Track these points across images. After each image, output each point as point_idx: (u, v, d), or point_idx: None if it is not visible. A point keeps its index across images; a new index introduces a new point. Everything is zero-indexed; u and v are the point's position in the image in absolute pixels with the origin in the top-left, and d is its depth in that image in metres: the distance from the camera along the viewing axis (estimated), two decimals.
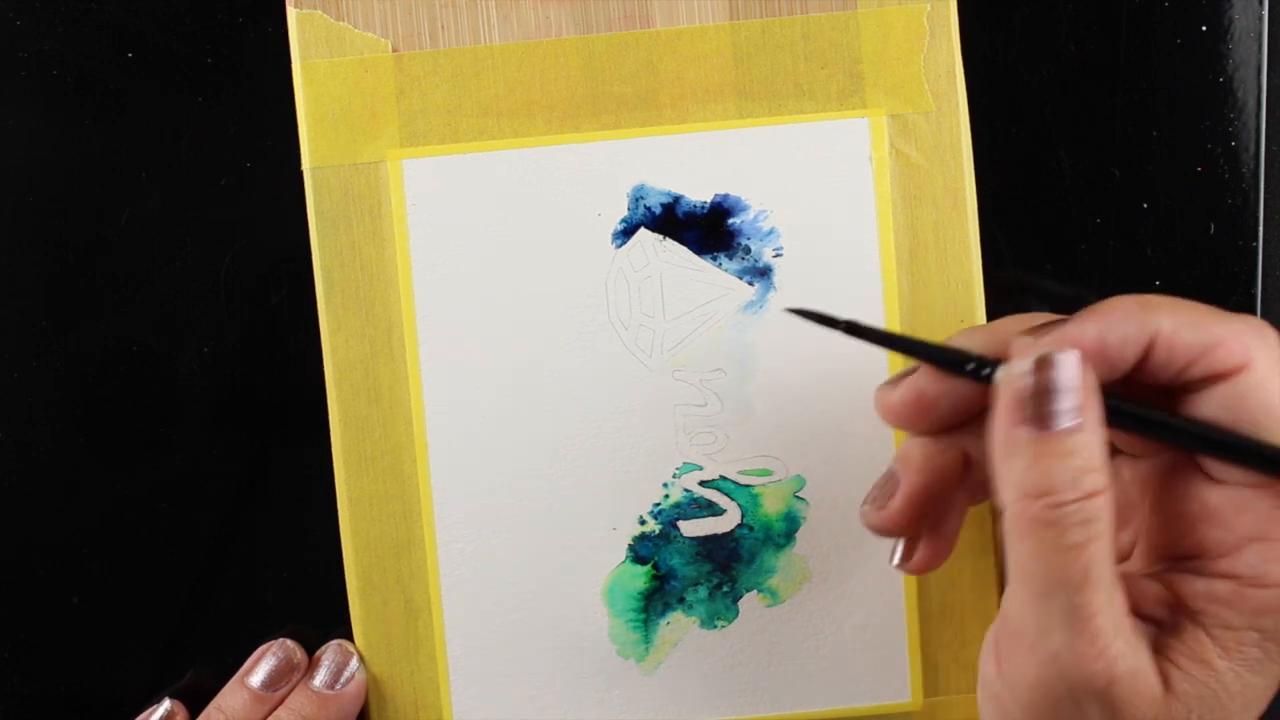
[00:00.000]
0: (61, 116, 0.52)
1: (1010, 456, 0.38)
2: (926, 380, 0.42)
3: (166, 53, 0.52)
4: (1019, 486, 0.37)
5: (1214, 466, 0.39)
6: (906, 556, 0.45)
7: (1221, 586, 0.38)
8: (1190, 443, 0.39)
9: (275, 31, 0.51)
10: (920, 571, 0.45)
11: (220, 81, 0.52)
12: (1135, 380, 0.39)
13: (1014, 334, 0.40)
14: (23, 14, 0.52)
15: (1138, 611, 0.39)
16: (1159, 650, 0.38)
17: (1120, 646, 0.37)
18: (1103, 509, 0.37)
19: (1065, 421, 0.37)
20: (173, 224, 0.53)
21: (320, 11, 0.51)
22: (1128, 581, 0.40)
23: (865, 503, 0.44)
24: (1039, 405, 0.38)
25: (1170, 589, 0.39)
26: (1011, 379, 0.38)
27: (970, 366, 0.41)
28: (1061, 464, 0.37)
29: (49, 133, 0.52)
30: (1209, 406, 0.38)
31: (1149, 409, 0.40)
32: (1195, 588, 0.39)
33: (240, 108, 0.52)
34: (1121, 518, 0.42)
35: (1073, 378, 0.38)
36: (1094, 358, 0.38)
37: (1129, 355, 0.39)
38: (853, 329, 0.44)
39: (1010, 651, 0.39)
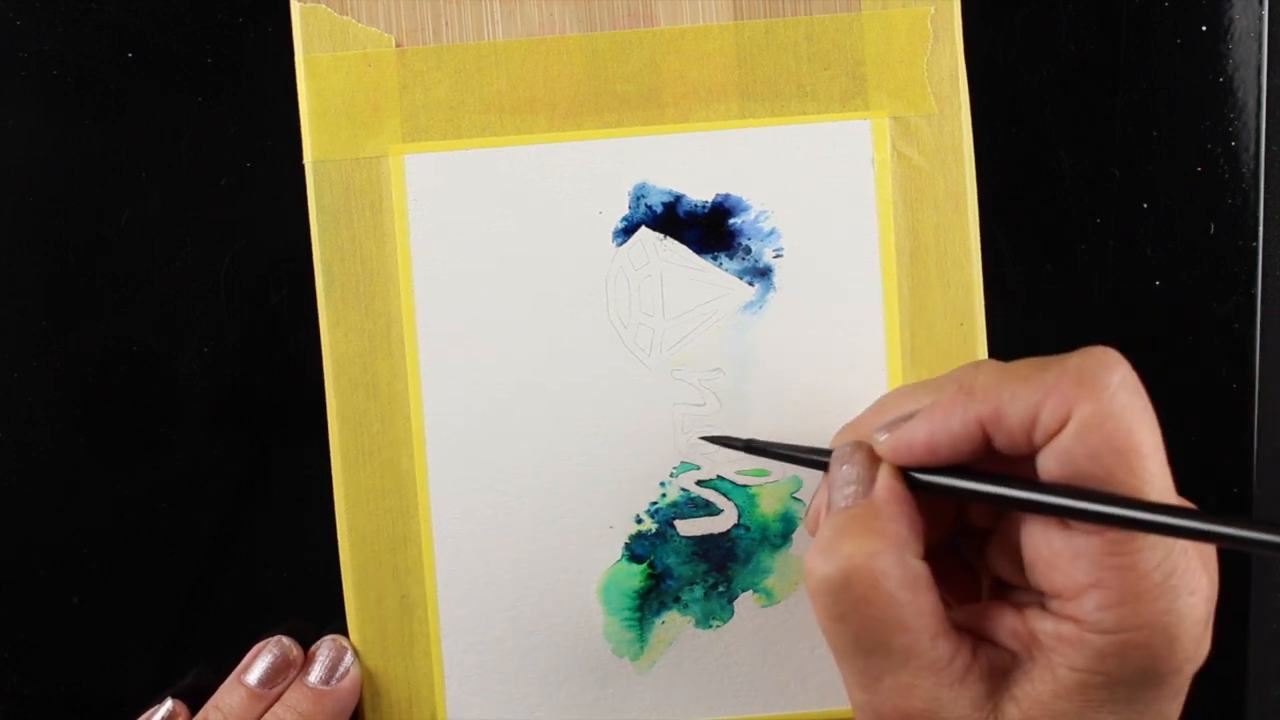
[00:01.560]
0: (61, 116, 0.52)
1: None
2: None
3: (166, 53, 0.52)
4: (806, 567, 0.41)
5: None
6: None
7: (1067, 628, 0.39)
8: (1008, 504, 0.41)
9: (275, 31, 0.51)
10: None
11: (220, 81, 0.52)
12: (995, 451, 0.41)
13: (877, 425, 0.44)
14: (23, 14, 0.52)
15: (996, 641, 0.41)
16: (1008, 684, 0.40)
17: (916, 702, 0.40)
18: (864, 584, 0.39)
19: (839, 503, 0.42)
20: (173, 224, 0.53)
21: (324, 6, 0.51)
22: (995, 613, 0.42)
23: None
24: (831, 496, 0.43)
25: (1028, 625, 0.41)
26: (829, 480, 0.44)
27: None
28: (833, 545, 0.40)
29: (49, 133, 0.52)
30: (1050, 464, 0.39)
31: (955, 475, 0.42)
32: (1046, 626, 0.40)
33: (240, 107, 0.52)
34: (1011, 552, 0.43)
35: (857, 467, 0.43)
36: (929, 453, 0.41)
37: (963, 446, 0.41)
38: (750, 448, 0.49)
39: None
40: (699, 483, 0.52)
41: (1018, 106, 0.53)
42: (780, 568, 0.52)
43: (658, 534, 0.52)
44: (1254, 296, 0.53)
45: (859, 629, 0.40)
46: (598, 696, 0.52)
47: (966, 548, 0.46)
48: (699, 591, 0.52)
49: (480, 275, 0.51)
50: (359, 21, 0.51)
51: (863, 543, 0.40)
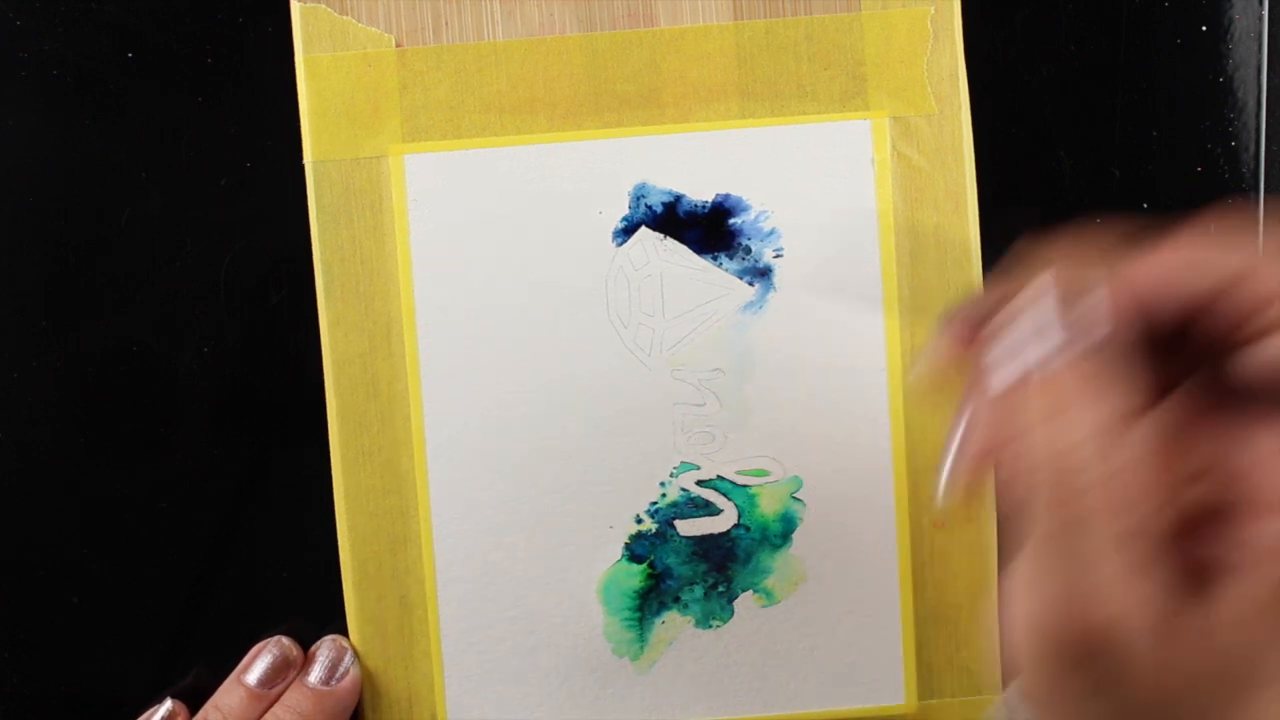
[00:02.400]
0: (61, 116, 0.52)
1: (1030, 399, 0.36)
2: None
3: (166, 53, 0.52)
4: (1029, 429, 0.36)
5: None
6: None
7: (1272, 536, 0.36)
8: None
9: (275, 31, 0.51)
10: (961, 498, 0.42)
11: (220, 81, 0.52)
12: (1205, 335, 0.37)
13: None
14: (23, 14, 0.52)
15: (1179, 554, 0.36)
16: (1192, 601, 0.35)
17: (1120, 602, 0.35)
18: (1108, 455, 0.35)
19: (1079, 356, 0.36)
20: (173, 224, 0.53)
21: (324, 6, 0.51)
22: (1173, 533, 0.37)
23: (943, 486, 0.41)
24: (1055, 338, 0.36)
25: (1220, 536, 0.37)
26: (1025, 319, 0.37)
27: None
28: (1071, 409, 0.35)
29: (49, 133, 0.52)
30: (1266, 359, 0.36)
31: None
32: (1250, 535, 0.36)
33: (240, 107, 0.52)
34: (1181, 445, 0.39)
35: (1090, 308, 0.36)
36: (1166, 287, 0.36)
37: (1199, 290, 0.36)
38: None
39: (1025, 603, 0.37)
40: (699, 483, 0.52)
41: (1018, 106, 0.53)
42: (780, 568, 0.52)
43: (658, 534, 0.52)
44: None
45: (1079, 508, 0.35)
46: (598, 696, 0.52)
47: None
48: (699, 591, 0.52)
49: (480, 275, 0.51)
50: (359, 21, 0.51)
51: (1110, 401, 0.35)
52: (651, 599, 0.52)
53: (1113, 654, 0.35)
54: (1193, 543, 0.37)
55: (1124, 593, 0.35)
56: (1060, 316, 0.36)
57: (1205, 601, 0.35)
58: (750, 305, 0.51)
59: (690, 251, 0.51)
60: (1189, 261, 0.36)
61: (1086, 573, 0.35)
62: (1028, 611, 0.36)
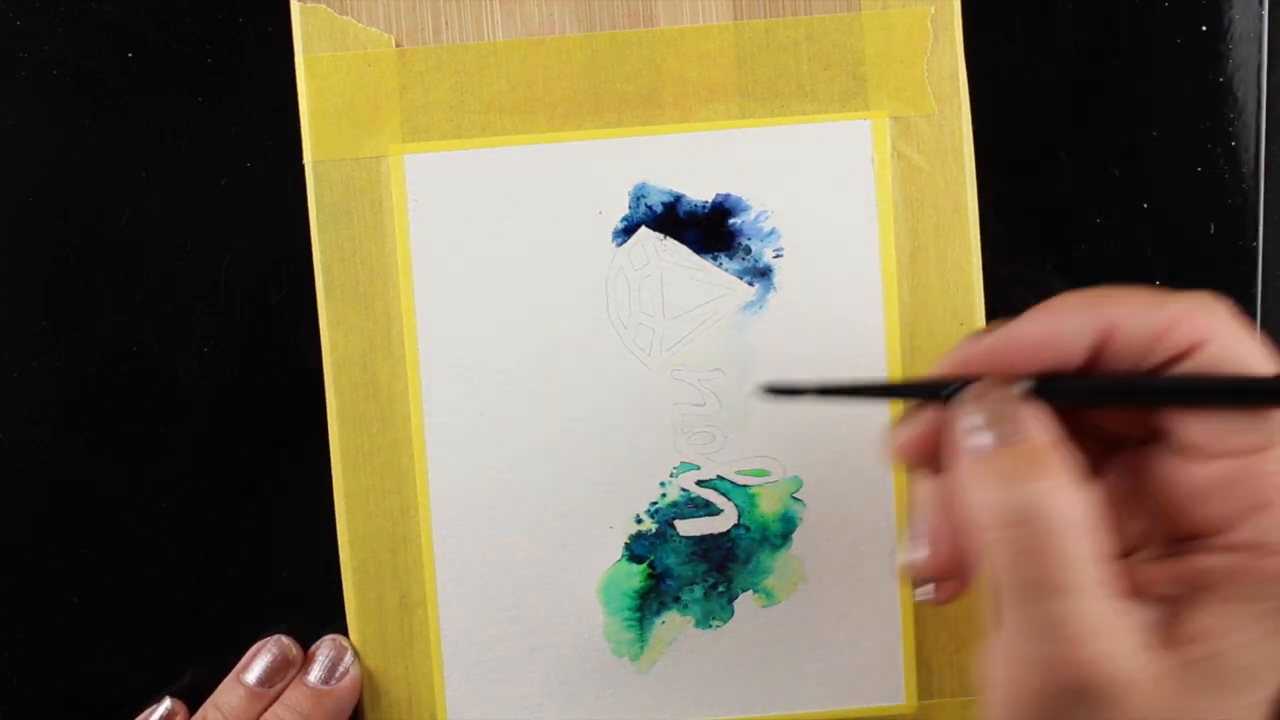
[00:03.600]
0: (61, 116, 0.52)
1: (969, 480, 0.39)
2: (922, 420, 0.43)
3: (166, 53, 0.52)
4: (976, 506, 0.38)
5: (1198, 443, 0.39)
6: (943, 596, 0.45)
7: (1233, 559, 0.38)
8: (1164, 398, 0.39)
9: (275, 31, 0.51)
10: (949, 601, 0.45)
11: (220, 81, 0.52)
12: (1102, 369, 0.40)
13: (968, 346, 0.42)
14: (23, 14, 0.52)
15: (1146, 595, 0.39)
16: (1175, 626, 0.38)
17: (1099, 648, 0.37)
18: (1055, 514, 0.37)
19: (1010, 439, 0.39)
20: (173, 224, 0.53)
21: (324, 6, 0.51)
22: (1135, 569, 0.40)
23: (903, 556, 0.44)
24: (980, 435, 0.39)
25: (1179, 570, 0.39)
26: (961, 419, 0.40)
27: (945, 393, 0.42)
28: (1016, 476, 0.38)
29: (49, 133, 0.52)
30: None
31: (1110, 379, 0.40)
32: (1206, 564, 0.39)
33: (240, 107, 0.52)
34: (1125, 510, 0.42)
35: (1005, 402, 0.40)
36: (1046, 351, 0.40)
37: (1082, 347, 0.39)
38: (823, 391, 0.45)
39: (992, 663, 0.39)
40: (699, 483, 0.52)
41: (1018, 106, 0.53)
42: (780, 568, 0.52)
43: (658, 534, 0.52)
44: (1254, 296, 0.53)
45: (1047, 565, 0.37)
46: (597, 696, 0.52)
47: None
48: (699, 591, 0.52)
49: (480, 275, 0.51)
50: (359, 21, 0.51)
51: (1045, 473, 0.38)
52: (651, 599, 0.52)
53: (1100, 695, 0.37)
54: (1160, 580, 0.39)
55: (1103, 635, 0.37)
56: (983, 414, 0.40)
57: (1179, 631, 0.38)
58: (750, 305, 0.51)
59: (690, 251, 0.51)
60: (1054, 326, 0.40)
61: (1063, 623, 0.37)
62: (1010, 674, 0.38)
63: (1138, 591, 0.40)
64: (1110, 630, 0.37)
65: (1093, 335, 0.39)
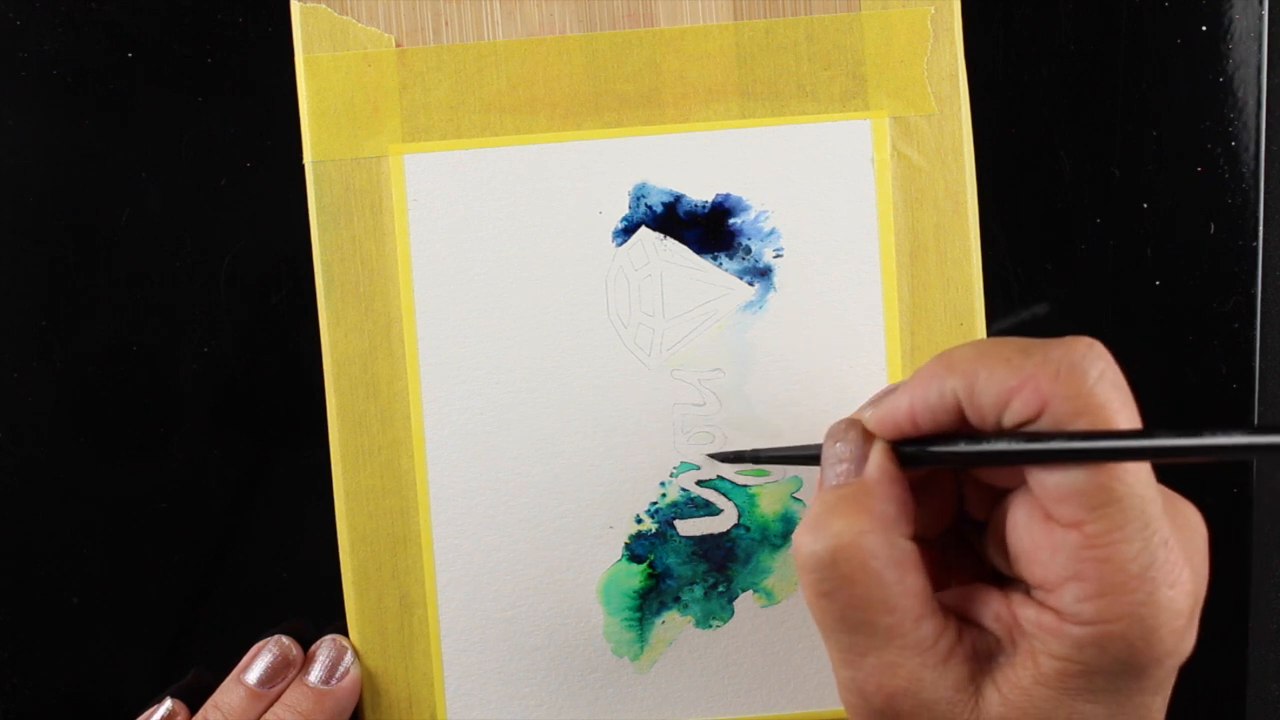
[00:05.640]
0: (61, 116, 0.52)
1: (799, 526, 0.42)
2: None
3: (166, 53, 0.52)
4: (794, 548, 0.42)
5: (1043, 503, 0.40)
6: None
7: (1048, 618, 0.40)
8: (994, 459, 0.41)
9: (275, 31, 0.51)
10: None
11: (220, 81, 0.52)
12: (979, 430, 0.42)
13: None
14: (23, 14, 0.52)
15: (980, 625, 0.42)
16: (989, 668, 0.41)
17: (899, 681, 0.40)
18: (850, 563, 0.40)
19: (831, 481, 0.43)
20: (173, 224, 0.53)
21: (324, 6, 0.51)
22: (982, 597, 0.43)
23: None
24: (823, 474, 0.43)
25: (1013, 611, 0.41)
26: (823, 454, 0.44)
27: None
28: (823, 522, 0.41)
29: (49, 133, 0.52)
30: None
31: (937, 441, 0.42)
32: (1029, 614, 0.40)
33: (240, 107, 0.52)
34: (997, 550, 0.44)
35: (850, 444, 0.43)
36: (911, 426, 0.42)
37: (942, 419, 0.42)
38: (757, 459, 0.50)
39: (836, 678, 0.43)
40: (699, 483, 0.52)
41: (1018, 106, 0.53)
42: (780, 568, 0.52)
43: (658, 534, 0.52)
44: (1254, 296, 0.53)
45: (844, 606, 0.40)
46: (597, 696, 0.52)
47: (972, 538, 0.46)
48: (699, 591, 0.52)
49: (480, 275, 0.51)
50: (359, 21, 0.51)
51: (851, 521, 0.40)
52: (651, 599, 0.52)
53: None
54: (998, 615, 0.42)
55: (911, 666, 0.40)
56: (830, 455, 0.43)
57: (1005, 667, 0.41)
58: (750, 305, 0.51)
59: (690, 251, 0.51)
60: (913, 401, 0.42)
61: (861, 666, 0.41)
62: (842, 694, 0.42)
63: (973, 618, 0.43)
64: (917, 663, 0.40)
65: (947, 407, 0.41)
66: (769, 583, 0.52)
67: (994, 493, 0.44)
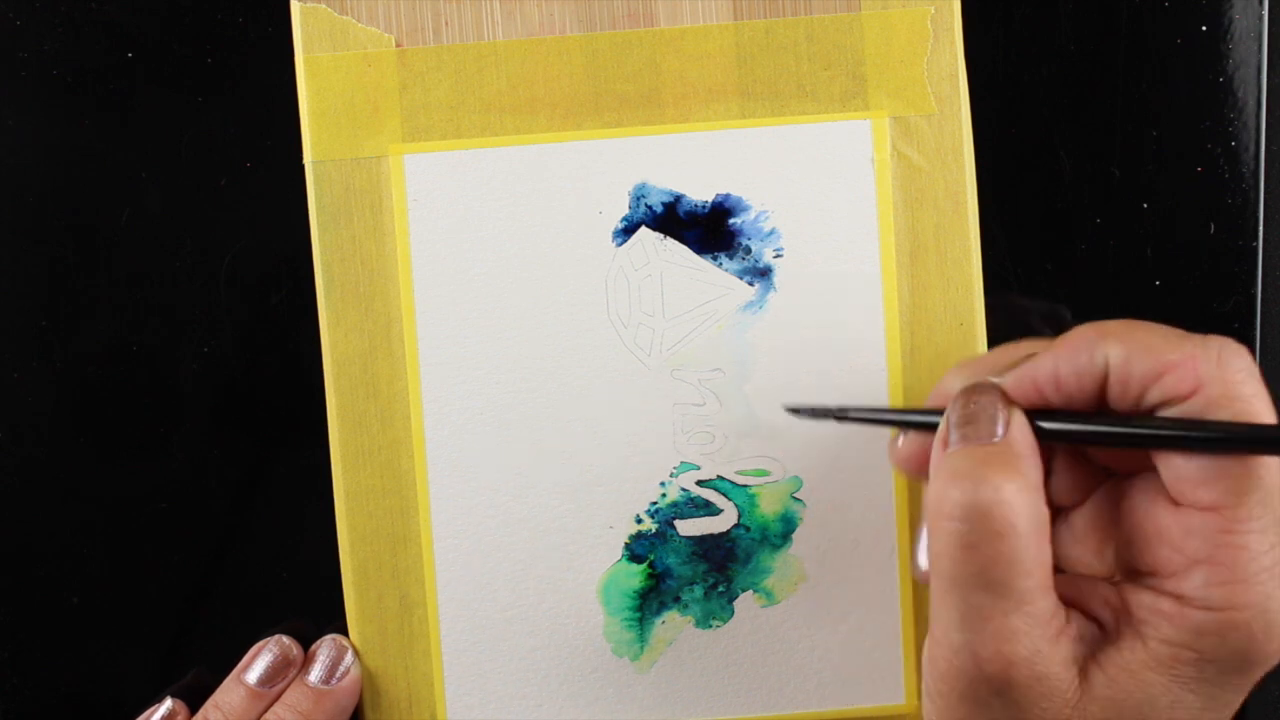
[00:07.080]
0: (61, 116, 0.52)
1: (935, 469, 0.41)
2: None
3: (166, 53, 0.52)
4: (930, 497, 0.41)
5: (1174, 487, 0.40)
6: None
7: (1166, 604, 0.40)
8: (1135, 440, 0.41)
9: (275, 31, 0.51)
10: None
11: (220, 81, 0.52)
12: (1107, 405, 0.42)
13: (997, 366, 0.44)
14: (23, 14, 0.52)
15: (1086, 610, 0.42)
16: (1094, 651, 0.40)
17: (1020, 649, 0.39)
18: (1002, 519, 0.39)
19: (986, 438, 0.41)
20: (173, 224, 0.53)
21: (324, 6, 0.51)
22: (1086, 583, 0.42)
23: (917, 563, 0.46)
24: (956, 431, 0.42)
25: (1122, 597, 0.41)
26: (949, 411, 0.43)
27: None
28: (977, 474, 0.40)
29: (49, 133, 0.52)
30: None
31: (1085, 417, 0.42)
32: (1143, 600, 0.40)
33: (241, 107, 0.52)
34: (1101, 534, 0.44)
35: (988, 406, 0.42)
36: (1052, 390, 0.42)
37: (1087, 385, 0.41)
38: (843, 416, 0.48)
39: (930, 642, 0.42)
40: (699, 483, 0.52)
41: (1018, 106, 0.53)
42: (780, 568, 0.52)
43: (658, 534, 0.52)
44: (1254, 296, 0.53)
45: (987, 562, 0.39)
46: (597, 696, 0.52)
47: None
48: (699, 591, 0.52)
49: (480, 275, 0.51)
50: (359, 21, 0.51)
51: (1009, 476, 0.39)
52: (651, 599, 0.52)
53: (1018, 692, 0.39)
54: (1098, 601, 0.42)
55: (1031, 637, 0.39)
56: (968, 411, 0.42)
57: (1110, 651, 0.40)
58: (750, 305, 0.51)
59: (690, 251, 0.51)
60: (1059, 367, 0.42)
61: (992, 618, 0.39)
62: (941, 659, 0.41)
63: (1077, 603, 0.42)
64: (1038, 634, 0.39)
65: (1095, 375, 0.41)
66: (769, 583, 0.52)
67: (1093, 479, 0.44)
